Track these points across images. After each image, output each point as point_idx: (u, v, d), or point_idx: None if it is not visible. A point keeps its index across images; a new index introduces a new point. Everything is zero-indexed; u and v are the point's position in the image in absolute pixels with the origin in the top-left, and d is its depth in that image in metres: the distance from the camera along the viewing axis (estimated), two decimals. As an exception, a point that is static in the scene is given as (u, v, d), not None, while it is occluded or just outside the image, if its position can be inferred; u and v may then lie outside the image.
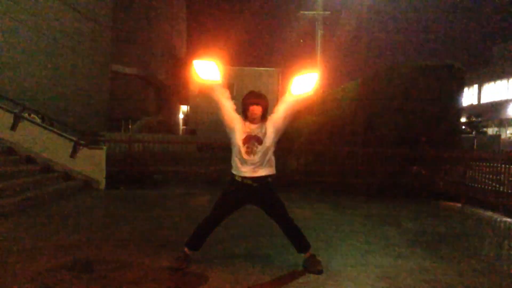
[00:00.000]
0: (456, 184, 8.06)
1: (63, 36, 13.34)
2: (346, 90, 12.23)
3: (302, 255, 3.61)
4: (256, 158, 3.41)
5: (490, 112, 32.60)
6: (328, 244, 4.45)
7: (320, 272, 3.47)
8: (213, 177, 8.98)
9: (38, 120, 8.76)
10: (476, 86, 36.53)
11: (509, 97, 32.02)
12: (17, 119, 7.59)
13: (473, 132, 25.14)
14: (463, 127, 24.59)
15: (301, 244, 3.59)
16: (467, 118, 26.39)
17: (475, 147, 19.86)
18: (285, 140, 12.12)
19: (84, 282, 3.15)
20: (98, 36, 16.32)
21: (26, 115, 8.09)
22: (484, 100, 35.53)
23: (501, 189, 7.05)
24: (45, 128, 8.08)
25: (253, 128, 3.46)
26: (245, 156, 3.41)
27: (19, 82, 11.07)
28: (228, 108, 3.49)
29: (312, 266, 3.51)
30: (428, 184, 8.64)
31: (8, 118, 7.54)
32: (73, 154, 7.85)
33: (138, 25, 25.49)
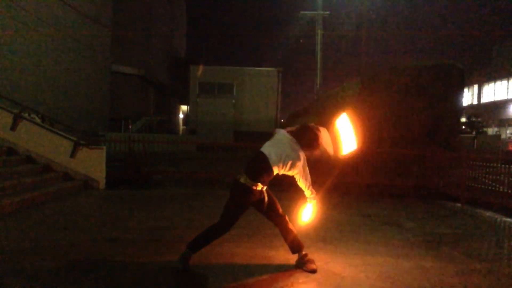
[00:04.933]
0: (456, 184, 8.05)
1: (63, 36, 13.33)
2: (346, 90, 12.22)
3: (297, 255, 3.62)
4: None
5: (490, 112, 32.60)
6: (328, 244, 4.46)
7: (313, 271, 3.48)
8: (213, 177, 8.97)
9: (38, 120, 8.75)
10: (476, 86, 36.54)
11: (509, 97, 32.03)
12: (17, 119, 7.59)
13: (473, 132, 25.12)
14: (463, 127, 24.57)
15: (294, 244, 3.58)
16: (467, 118, 26.37)
17: (475, 147, 19.85)
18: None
19: (84, 282, 3.15)
20: (98, 36, 16.32)
21: (26, 115, 8.09)
22: (484, 100, 35.54)
23: (501, 189, 7.05)
24: (45, 128, 8.08)
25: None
26: None
27: (19, 82, 11.06)
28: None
29: (306, 266, 3.52)
30: (428, 184, 8.64)
31: (8, 118, 7.54)
32: (73, 154, 7.84)
33: (138, 25, 25.49)
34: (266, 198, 3.43)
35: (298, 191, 3.74)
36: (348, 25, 22.26)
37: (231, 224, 3.43)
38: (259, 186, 3.34)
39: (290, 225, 3.57)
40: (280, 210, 3.54)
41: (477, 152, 12.07)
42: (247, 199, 3.35)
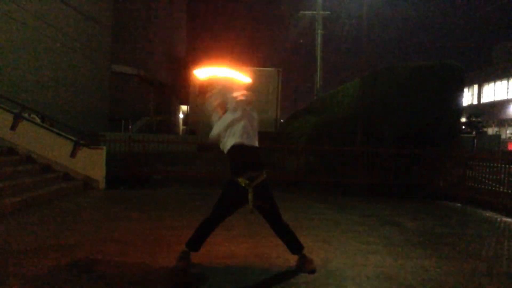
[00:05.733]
0: (456, 184, 8.05)
1: (63, 36, 13.33)
2: (346, 90, 12.22)
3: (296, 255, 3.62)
4: None
5: (490, 112, 32.58)
6: (328, 244, 4.46)
7: (313, 271, 3.47)
8: (213, 177, 8.96)
9: (38, 120, 8.75)
10: (476, 86, 36.52)
11: (509, 97, 32.01)
12: (17, 119, 7.59)
13: (473, 132, 25.10)
14: (463, 127, 24.54)
15: (293, 245, 3.59)
16: (467, 118, 26.35)
17: (475, 147, 19.82)
18: (286, 140, 12.11)
19: (84, 282, 3.15)
20: (98, 36, 16.31)
21: (26, 115, 8.08)
22: (484, 100, 35.53)
23: (501, 189, 7.05)
24: (45, 128, 8.07)
25: None
26: None
27: (19, 82, 11.06)
28: None
29: (305, 266, 3.51)
30: (428, 184, 8.64)
31: (8, 118, 7.54)
32: (73, 154, 7.84)
33: (138, 25, 25.49)
34: (250, 193, 3.36)
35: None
36: (348, 25, 22.22)
37: (220, 215, 3.48)
38: (239, 179, 3.39)
39: (287, 226, 3.57)
40: (277, 212, 3.54)
41: (477, 151, 12.07)
42: (227, 188, 3.52)
